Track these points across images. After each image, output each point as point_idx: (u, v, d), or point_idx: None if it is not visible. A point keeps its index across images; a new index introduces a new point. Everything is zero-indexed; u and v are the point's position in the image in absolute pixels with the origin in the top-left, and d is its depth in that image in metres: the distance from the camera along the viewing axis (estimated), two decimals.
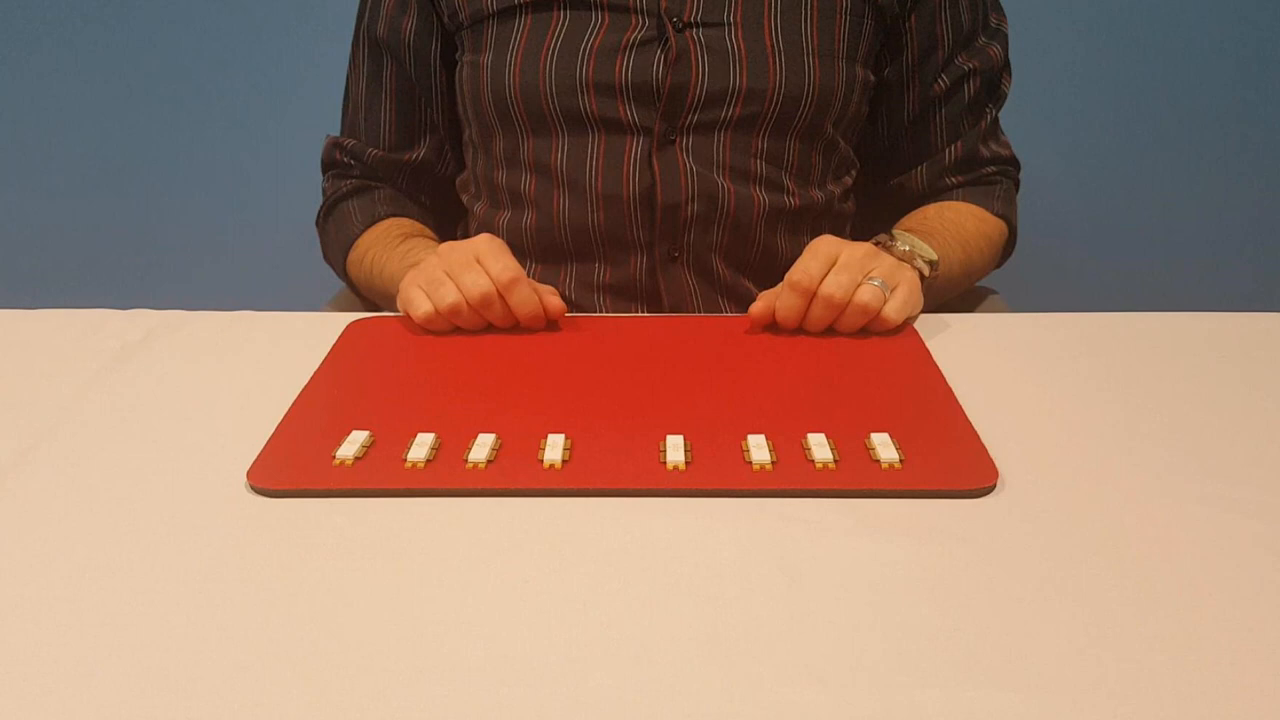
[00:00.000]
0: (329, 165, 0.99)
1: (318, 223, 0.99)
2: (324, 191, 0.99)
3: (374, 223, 0.93)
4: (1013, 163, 0.97)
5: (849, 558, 0.47)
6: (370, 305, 0.95)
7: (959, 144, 0.94)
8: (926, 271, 0.79)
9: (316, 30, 1.39)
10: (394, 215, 0.94)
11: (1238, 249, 1.75)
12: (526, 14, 0.85)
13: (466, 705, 0.39)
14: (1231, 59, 1.60)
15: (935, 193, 0.95)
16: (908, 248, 0.79)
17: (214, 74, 1.59)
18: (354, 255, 0.93)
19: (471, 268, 0.72)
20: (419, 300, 0.73)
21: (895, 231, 0.81)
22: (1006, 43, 0.93)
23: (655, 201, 0.85)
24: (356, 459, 0.55)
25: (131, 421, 0.61)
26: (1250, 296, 1.75)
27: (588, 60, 0.84)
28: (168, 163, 1.65)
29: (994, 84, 0.94)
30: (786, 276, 0.72)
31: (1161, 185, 1.70)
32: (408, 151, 0.96)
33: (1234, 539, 0.49)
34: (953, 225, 0.90)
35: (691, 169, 0.85)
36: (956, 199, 0.94)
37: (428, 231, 0.95)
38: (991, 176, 0.96)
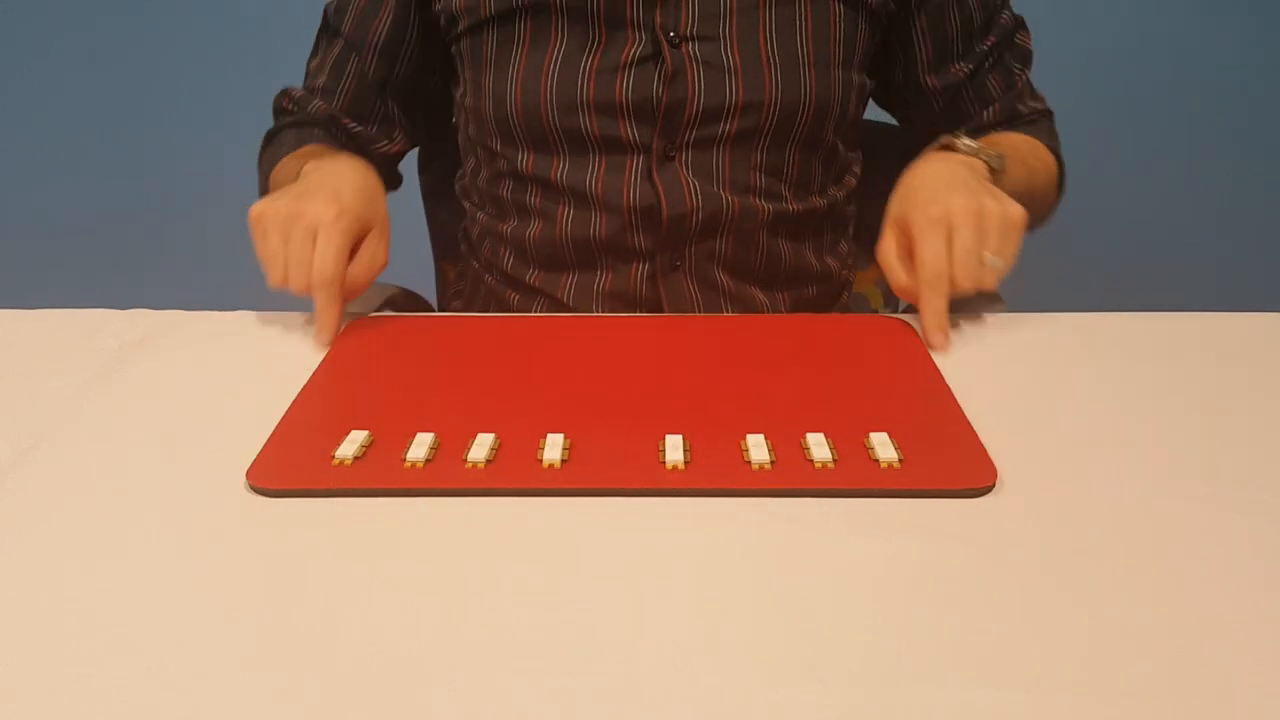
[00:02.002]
0: (277, 111, 0.98)
1: (259, 164, 0.98)
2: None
3: (306, 144, 0.92)
4: (1050, 115, 0.98)
5: (848, 557, 0.47)
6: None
7: (995, 106, 0.94)
8: (998, 166, 0.80)
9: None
10: (329, 144, 0.92)
11: (1238, 249, 1.75)
12: (526, 23, 0.84)
13: (466, 704, 0.39)
14: (1232, 59, 1.60)
15: None
16: (973, 145, 0.80)
17: (214, 74, 1.60)
18: (275, 171, 0.91)
19: (304, 248, 0.71)
20: (263, 259, 0.73)
21: (954, 134, 0.82)
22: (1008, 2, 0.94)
23: (660, 215, 0.85)
24: (356, 459, 0.55)
25: (131, 421, 0.61)
26: (1250, 296, 1.75)
27: (588, 82, 0.83)
28: (168, 163, 1.65)
29: (1016, 47, 0.94)
30: (919, 274, 0.71)
31: (1161, 185, 1.70)
32: (357, 120, 0.95)
33: (1234, 539, 0.49)
34: (1006, 143, 0.89)
35: (694, 185, 0.85)
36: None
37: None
38: (1034, 119, 0.96)
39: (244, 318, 0.76)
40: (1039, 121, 0.97)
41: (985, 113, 0.94)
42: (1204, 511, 0.51)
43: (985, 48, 0.91)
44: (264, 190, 0.95)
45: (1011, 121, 0.95)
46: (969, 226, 0.71)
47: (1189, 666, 0.41)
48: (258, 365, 0.69)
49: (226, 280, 1.62)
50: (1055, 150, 0.96)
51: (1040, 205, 0.94)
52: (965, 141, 0.81)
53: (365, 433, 0.57)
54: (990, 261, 0.71)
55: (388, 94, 0.94)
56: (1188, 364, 0.68)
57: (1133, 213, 1.72)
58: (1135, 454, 0.57)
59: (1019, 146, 0.90)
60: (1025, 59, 0.95)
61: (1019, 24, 0.94)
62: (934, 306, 0.71)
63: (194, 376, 0.67)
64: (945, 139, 0.82)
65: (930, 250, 0.71)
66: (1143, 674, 0.40)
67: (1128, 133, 1.66)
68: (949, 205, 0.71)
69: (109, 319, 0.75)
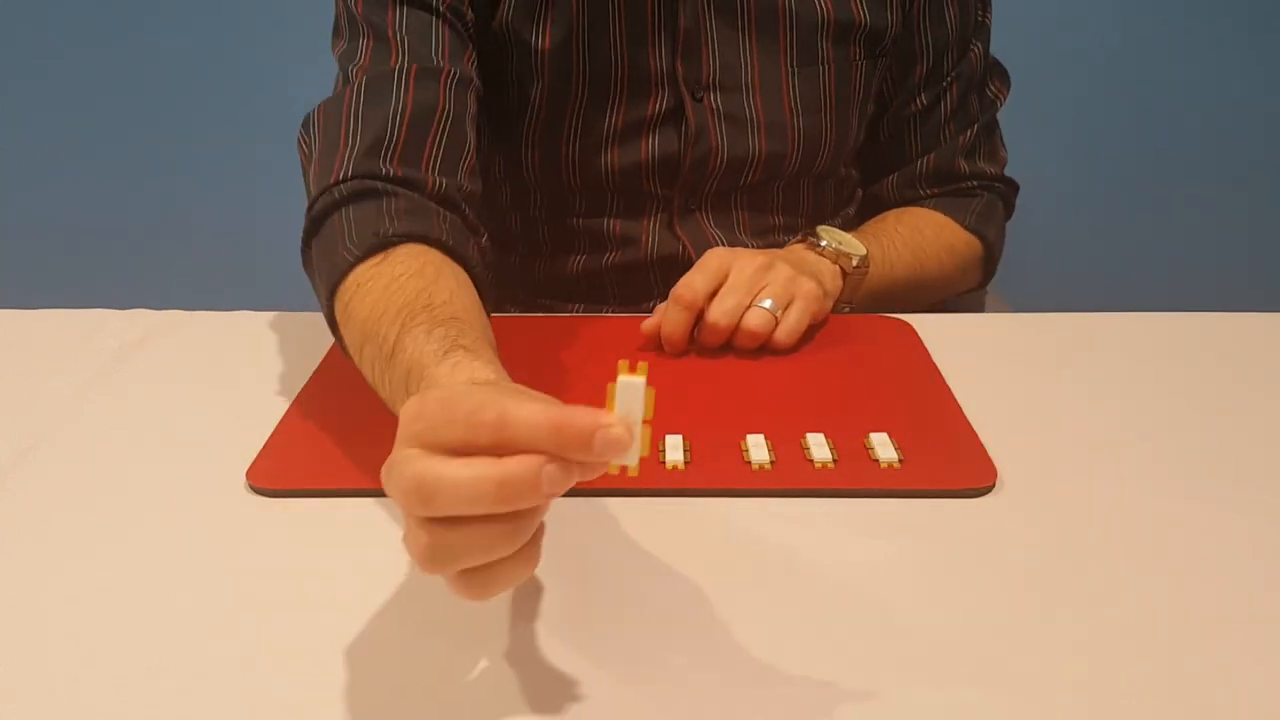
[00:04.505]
0: (328, 134, 0.67)
1: (304, 246, 0.63)
2: (309, 188, 0.66)
3: (375, 250, 0.56)
4: (1001, 180, 0.91)
5: (848, 557, 0.47)
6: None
7: (931, 156, 0.89)
8: (849, 266, 0.76)
9: (320, 29, 1.39)
10: (408, 237, 0.57)
11: (1238, 249, 1.75)
12: (545, 70, 0.79)
13: (466, 704, 0.39)
14: (1232, 58, 1.60)
15: (907, 203, 0.90)
16: (830, 244, 0.76)
17: (214, 73, 1.59)
18: (341, 313, 0.56)
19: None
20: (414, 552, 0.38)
21: (819, 228, 0.78)
22: (989, 37, 0.88)
23: (684, 263, 0.82)
24: (356, 459, 0.55)
25: (131, 421, 0.61)
26: (1250, 296, 1.75)
27: (611, 143, 0.81)
28: (168, 163, 1.65)
29: (979, 89, 0.88)
30: (672, 290, 0.67)
31: (1161, 185, 1.69)
32: (458, 62, 0.72)
33: (1233, 539, 0.49)
34: (907, 229, 0.85)
35: (718, 236, 0.85)
36: (929, 208, 0.89)
37: (456, 291, 0.54)
38: (971, 190, 0.90)
39: (244, 318, 0.76)
40: (977, 195, 0.90)
41: (921, 162, 0.89)
42: (1204, 511, 0.51)
43: (946, 81, 0.86)
44: (329, 310, 0.57)
45: (944, 180, 0.89)
46: (747, 270, 0.68)
47: (1189, 666, 0.41)
48: (258, 365, 0.69)
49: (226, 280, 1.63)
50: (983, 234, 0.89)
51: (934, 291, 0.88)
52: (827, 243, 0.76)
53: (365, 433, 0.57)
54: (767, 305, 0.67)
55: (472, 51, 0.76)
56: (1188, 364, 0.68)
57: (1133, 213, 1.72)
58: (1135, 454, 0.57)
59: (922, 232, 0.86)
60: (988, 108, 0.90)
61: (995, 70, 0.90)
62: (672, 316, 0.67)
63: (194, 376, 0.67)
64: (810, 235, 0.77)
65: (693, 274, 0.68)
66: (1143, 674, 0.40)
67: (1128, 133, 1.66)
68: (735, 258, 0.69)
69: (109, 319, 0.75)
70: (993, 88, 0.90)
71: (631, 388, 0.35)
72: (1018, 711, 0.38)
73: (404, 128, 0.66)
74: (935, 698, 0.39)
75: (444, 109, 0.69)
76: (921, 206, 0.90)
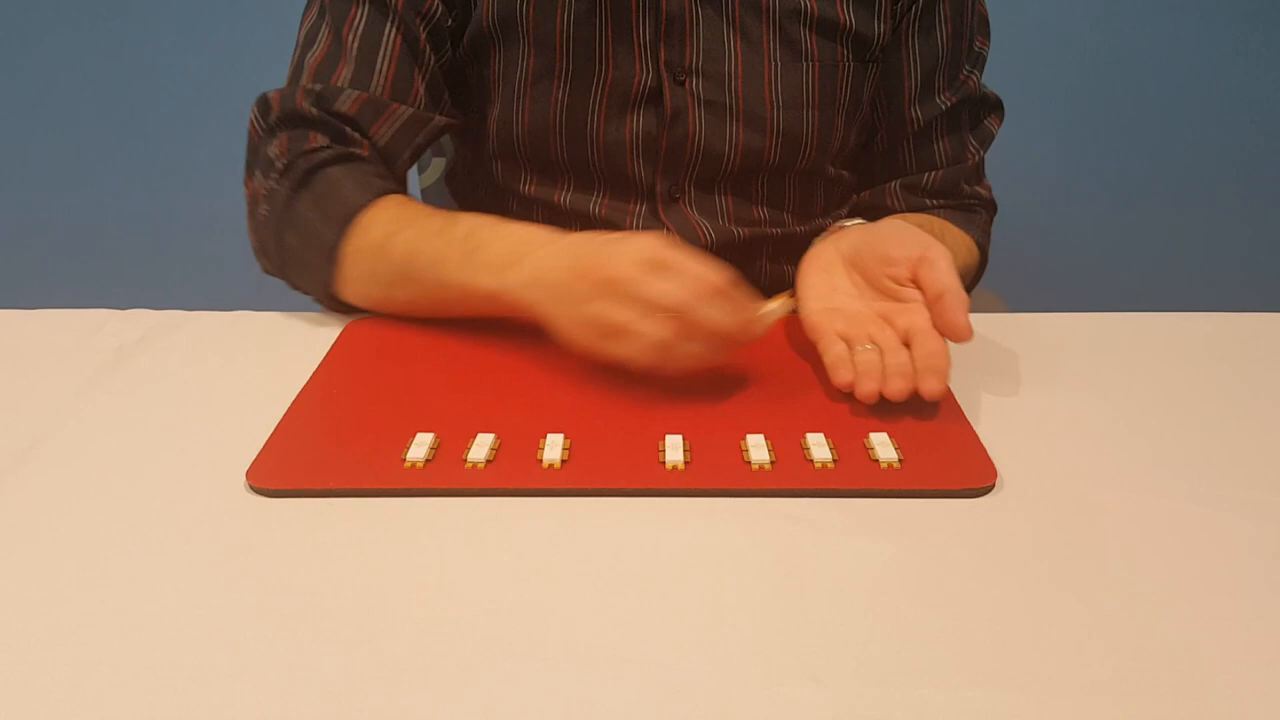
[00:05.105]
0: (288, 121, 0.76)
1: (272, 196, 0.74)
2: (270, 159, 0.75)
3: (379, 196, 0.73)
4: (992, 205, 0.93)
5: (848, 557, 0.47)
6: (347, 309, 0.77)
7: (938, 174, 0.89)
8: None
9: None
10: (396, 192, 0.75)
11: (1238, 249, 1.75)
12: (529, 48, 0.81)
13: (465, 705, 0.39)
14: (1231, 59, 1.60)
15: (912, 209, 0.90)
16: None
17: (214, 73, 1.60)
18: (360, 230, 0.71)
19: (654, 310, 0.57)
20: (629, 356, 0.59)
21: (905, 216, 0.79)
22: (984, 67, 0.88)
23: None
24: (356, 459, 0.55)
25: (131, 421, 0.61)
26: (1250, 296, 1.75)
27: (597, 118, 0.81)
28: (168, 163, 1.66)
29: (974, 120, 0.89)
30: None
31: (1161, 185, 1.70)
32: (401, 101, 0.78)
33: (1233, 539, 0.49)
34: (949, 237, 0.86)
35: (704, 225, 0.85)
36: (942, 218, 0.89)
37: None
38: (972, 205, 0.92)
39: (244, 318, 0.76)
40: (977, 211, 0.92)
41: (926, 176, 0.89)
42: (1204, 511, 0.51)
43: (945, 106, 0.87)
44: (332, 247, 0.71)
45: (949, 197, 0.90)
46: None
47: (1189, 666, 0.41)
48: (258, 365, 0.69)
49: (226, 280, 1.63)
50: (983, 247, 0.91)
51: None
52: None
53: (365, 433, 0.57)
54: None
55: (426, 61, 0.80)
56: (1188, 364, 0.68)
57: (1132, 212, 1.72)
58: (1135, 454, 0.57)
59: (958, 241, 0.87)
60: (985, 142, 0.90)
61: (992, 104, 0.90)
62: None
63: (194, 376, 0.67)
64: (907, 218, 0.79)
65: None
66: (1143, 674, 0.40)
67: (1128, 133, 1.66)
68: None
69: (109, 319, 0.75)
70: (989, 120, 0.91)
71: (770, 309, 0.64)
72: (1018, 712, 0.38)
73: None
74: (936, 698, 0.39)
75: (373, 140, 0.78)
76: (935, 215, 0.89)
